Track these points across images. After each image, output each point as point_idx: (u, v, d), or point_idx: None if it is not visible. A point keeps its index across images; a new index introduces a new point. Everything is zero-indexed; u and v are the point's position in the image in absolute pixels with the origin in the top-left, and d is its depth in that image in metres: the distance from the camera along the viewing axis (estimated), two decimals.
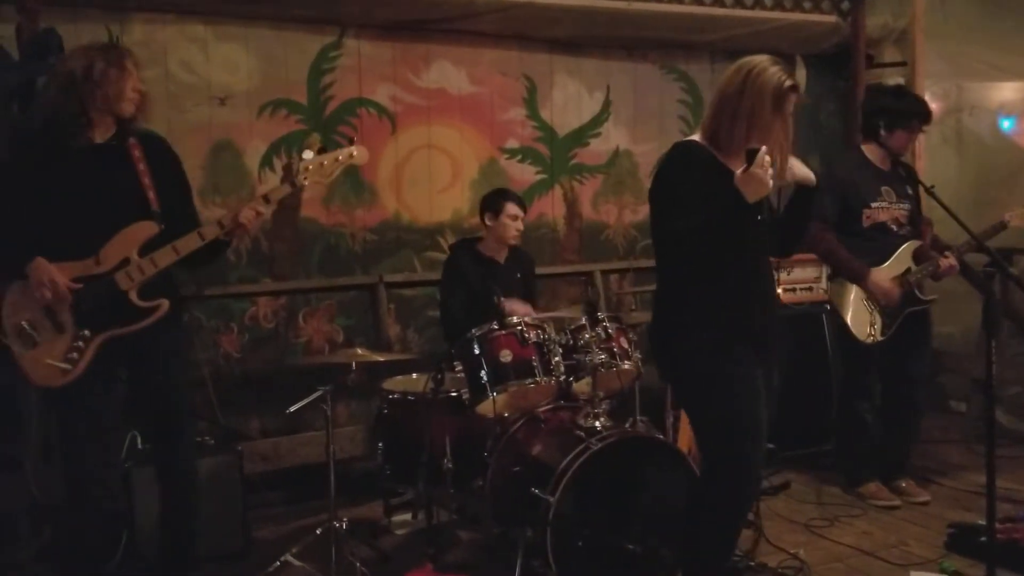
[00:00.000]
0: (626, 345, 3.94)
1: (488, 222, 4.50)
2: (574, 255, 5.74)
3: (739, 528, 3.30)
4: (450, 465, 3.81)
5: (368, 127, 5.06)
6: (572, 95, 5.66)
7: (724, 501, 3.09)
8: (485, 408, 3.87)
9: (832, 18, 5.93)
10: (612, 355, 3.84)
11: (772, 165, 2.84)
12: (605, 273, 5.78)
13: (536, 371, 3.78)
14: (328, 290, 5.05)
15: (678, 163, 3.04)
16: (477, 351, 3.81)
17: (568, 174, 5.68)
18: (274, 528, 4.43)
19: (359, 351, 4.00)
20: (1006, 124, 6.26)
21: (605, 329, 3.88)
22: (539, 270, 4.97)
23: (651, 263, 5.43)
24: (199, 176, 4.60)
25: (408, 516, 4.39)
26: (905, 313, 4.44)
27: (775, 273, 3.28)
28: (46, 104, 3.27)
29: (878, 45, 6.20)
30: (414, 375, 4.37)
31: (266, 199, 3.34)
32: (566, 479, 3.40)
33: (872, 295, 4.39)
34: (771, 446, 4.33)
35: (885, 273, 4.40)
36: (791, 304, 5.31)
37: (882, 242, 4.45)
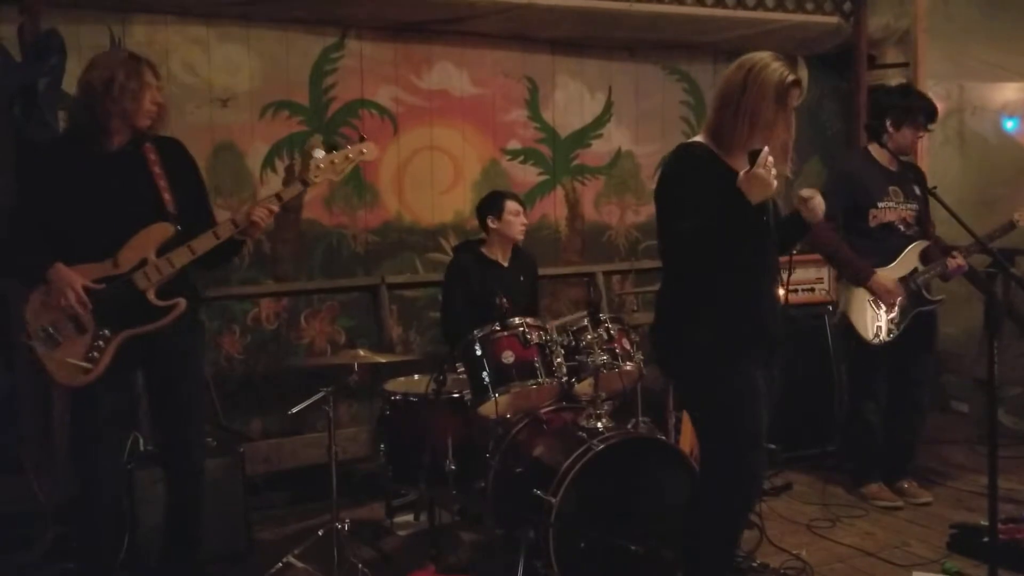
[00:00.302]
0: (628, 346, 3.94)
1: (492, 224, 4.49)
2: (576, 256, 5.74)
3: (740, 529, 3.30)
4: (452, 466, 3.81)
5: (370, 128, 5.06)
6: (574, 96, 5.66)
7: (724, 502, 3.09)
8: (487, 409, 3.87)
9: (834, 19, 5.92)
10: (614, 356, 3.84)
11: (775, 165, 2.84)
12: (607, 274, 5.78)
13: (538, 372, 3.78)
14: (330, 291, 5.05)
15: (681, 165, 3.05)
16: (479, 352, 3.81)
17: (570, 175, 5.68)
18: (276, 529, 4.43)
19: (361, 352, 3.99)
20: (1009, 124, 6.26)
21: (607, 330, 3.88)
22: (541, 271, 4.97)
23: (653, 264, 5.52)
24: None
25: (410, 517, 4.40)
26: (913, 313, 4.44)
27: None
28: (69, 113, 3.38)
29: (880, 46, 6.20)
30: (416, 376, 4.37)
31: (279, 197, 3.39)
32: (568, 480, 3.40)
33: (876, 295, 4.39)
34: (772, 447, 4.35)
35: (890, 273, 4.40)
36: (794, 305, 5.30)
37: (889, 242, 4.45)
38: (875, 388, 4.59)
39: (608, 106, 5.76)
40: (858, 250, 4.41)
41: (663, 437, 3.92)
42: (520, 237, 4.56)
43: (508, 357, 3.77)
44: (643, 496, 3.54)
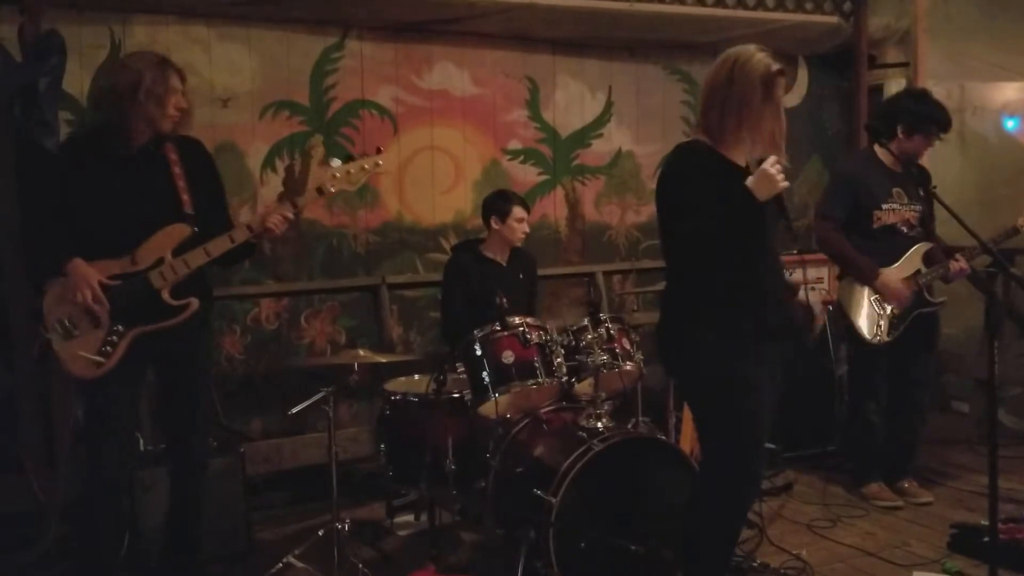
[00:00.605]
0: (628, 346, 3.94)
1: (494, 225, 4.50)
2: (576, 256, 5.74)
3: (739, 528, 3.30)
4: (452, 466, 3.81)
5: (370, 128, 5.07)
6: (574, 96, 5.66)
7: (725, 502, 3.10)
8: (487, 409, 3.88)
9: (834, 19, 5.93)
10: (614, 356, 3.84)
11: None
12: (607, 274, 5.79)
13: (538, 372, 3.78)
14: (330, 291, 5.05)
15: (682, 163, 3.05)
16: (479, 352, 3.82)
17: (570, 175, 5.68)
18: (276, 529, 4.43)
19: (361, 352, 3.99)
20: (1009, 124, 6.26)
21: (607, 330, 3.88)
22: (541, 271, 4.97)
23: (654, 264, 5.52)
24: None
25: (411, 517, 4.40)
26: (914, 315, 4.44)
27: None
28: (96, 112, 3.51)
29: (880, 46, 6.20)
30: (416, 376, 4.37)
31: (294, 205, 3.47)
32: (568, 480, 3.40)
33: (882, 295, 4.39)
34: (772, 447, 4.35)
35: (895, 274, 4.40)
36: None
37: (892, 243, 4.45)
38: (876, 388, 4.58)
39: (608, 106, 5.76)
40: (860, 251, 4.41)
41: (663, 437, 3.92)
42: (519, 243, 4.57)
43: (508, 357, 3.78)
44: (643, 496, 3.54)
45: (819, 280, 5.42)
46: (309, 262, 5.00)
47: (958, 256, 4.42)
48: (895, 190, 4.46)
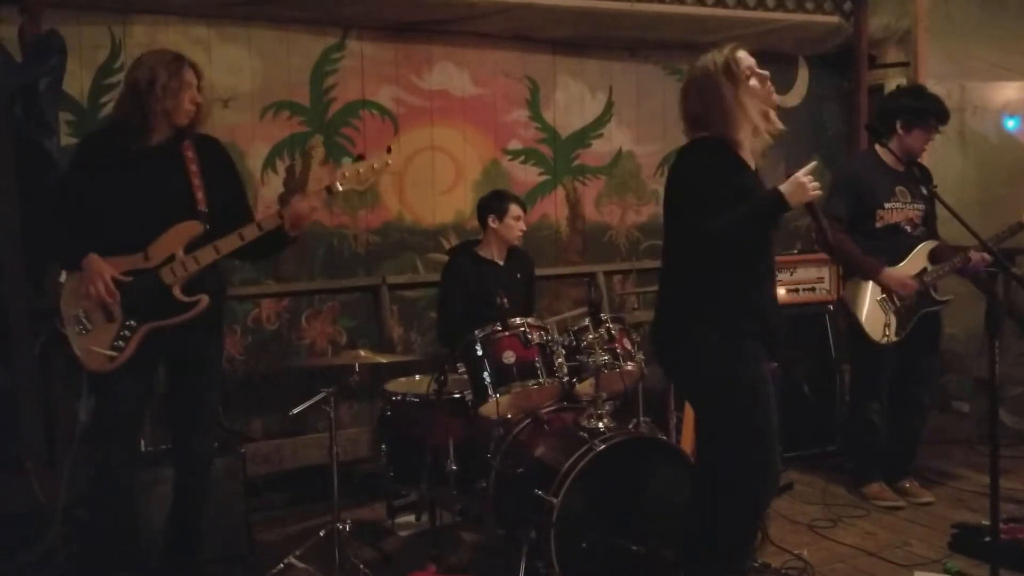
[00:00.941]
0: (629, 346, 3.94)
1: (492, 224, 4.50)
2: (577, 256, 5.74)
3: (750, 530, 3.29)
4: (453, 467, 3.81)
5: (371, 129, 5.06)
6: (575, 96, 5.66)
7: (726, 502, 3.07)
8: (488, 409, 3.88)
9: (835, 19, 5.93)
10: (615, 356, 3.84)
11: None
12: (608, 274, 5.78)
13: (539, 372, 3.78)
14: (331, 292, 5.06)
15: (700, 160, 3.01)
16: (480, 352, 3.82)
17: (571, 175, 5.68)
18: (277, 530, 4.43)
19: (362, 353, 3.99)
20: (1010, 123, 6.25)
21: (608, 330, 3.88)
22: (542, 271, 4.97)
23: (654, 264, 5.52)
24: None
25: (411, 518, 4.40)
26: (920, 314, 4.44)
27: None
28: (114, 109, 3.54)
29: (881, 46, 6.20)
30: (417, 377, 4.37)
31: (328, 190, 3.52)
32: (569, 480, 3.40)
33: (889, 289, 4.38)
34: None
35: (902, 270, 4.40)
36: (795, 304, 5.31)
37: (895, 242, 4.45)
38: (879, 388, 4.58)
39: (609, 106, 5.76)
40: (864, 251, 4.41)
41: (664, 437, 3.92)
42: (517, 242, 4.57)
43: (509, 357, 3.78)
44: (644, 496, 3.54)
45: (820, 280, 5.43)
46: (310, 262, 5.00)
47: (972, 252, 4.40)
48: (898, 189, 4.46)
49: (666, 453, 3.66)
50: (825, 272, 5.40)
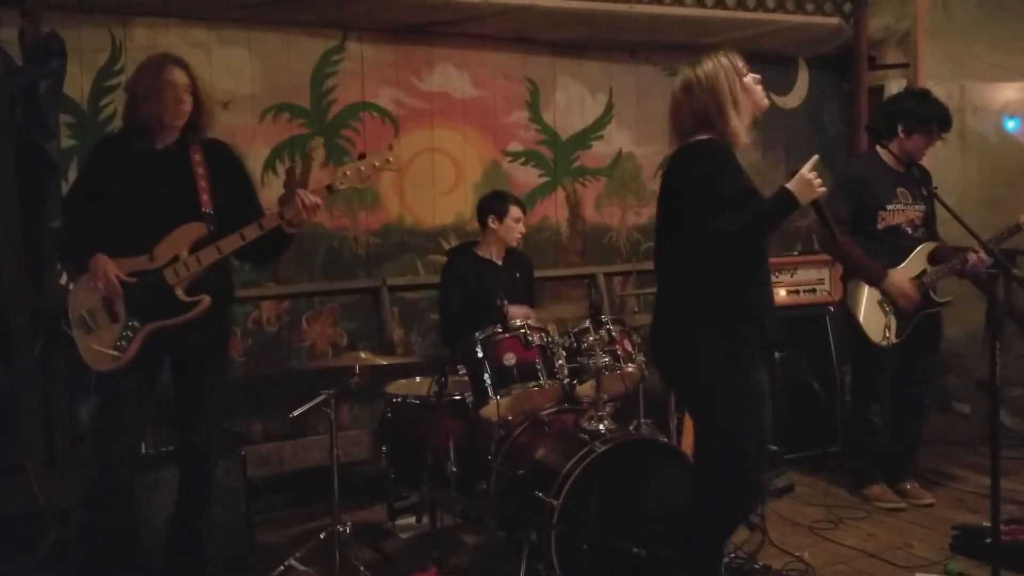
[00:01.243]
0: (630, 348, 3.94)
1: (492, 224, 4.50)
2: (577, 258, 5.74)
3: (732, 531, 3.32)
4: (454, 468, 3.81)
5: (371, 131, 5.06)
6: (575, 98, 5.66)
7: (724, 503, 3.10)
8: (489, 411, 3.88)
9: (834, 20, 5.93)
10: (616, 358, 3.84)
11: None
12: (608, 276, 5.78)
13: (540, 374, 3.78)
14: (331, 294, 5.05)
15: (706, 161, 3.01)
16: (480, 354, 3.82)
17: (571, 177, 5.68)
18: (278, 532, 4.42)
19: (362, 355, 3.99)
20: (1010, 124, 6.26)
21: (609, 332, 3.88)
22: (542, 273, 4.97)
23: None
24: None
25: (412, 519, 4.39)
26: (920, 315, 4.43)
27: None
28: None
29: (880, 47, 6.20)
30: (417, 378, 4.36)
31: (329, 188, 3.52)
32: (570, 482, 3.39)
33: (890, 296, 4.38)
34: (774, 448, 4.36)
35: (902, 274, 4.39)
36: (795, 306, 5.31)
37: (896, 244, 4.44)
38: (880, 389, 4.57)
39: (609, 108, 5.76)
40: (865, 252, 4.40)
41: (665, 439, 3.92)
42: (515, 244, 4.57)
43: (509, 359, 3.78)
44: (645, 498, 3.54)
45: (820, 281, 5.42)
46: (310, 264, 5.00)
47: (972, 250, 4.39)
48: (899, 190, 4.45)
49: (667, 455, 3.66)
50: (825, 273, 5.40)
